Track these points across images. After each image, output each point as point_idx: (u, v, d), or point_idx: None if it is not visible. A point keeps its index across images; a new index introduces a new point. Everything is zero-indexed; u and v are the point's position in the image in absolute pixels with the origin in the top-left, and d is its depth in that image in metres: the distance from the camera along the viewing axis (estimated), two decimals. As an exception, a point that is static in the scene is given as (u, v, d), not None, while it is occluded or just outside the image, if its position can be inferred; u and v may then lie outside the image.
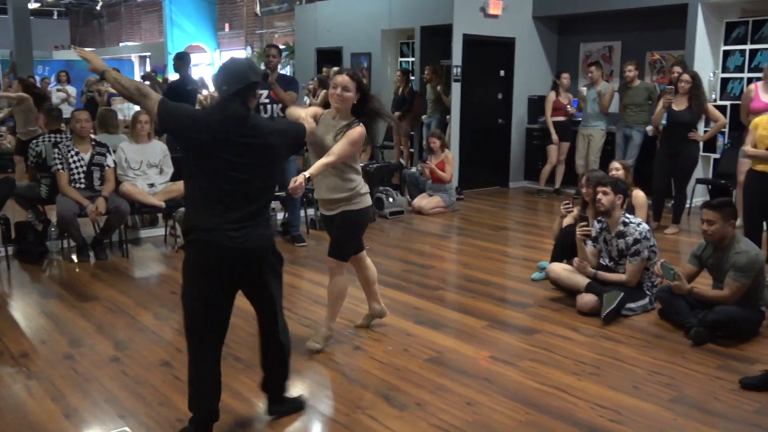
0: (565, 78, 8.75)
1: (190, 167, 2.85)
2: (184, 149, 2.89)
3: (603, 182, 4.64)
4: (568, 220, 5.26)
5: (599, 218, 4.73)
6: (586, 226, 4.66)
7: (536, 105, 9.51)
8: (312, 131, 3.50)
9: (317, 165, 3.58)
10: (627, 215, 4.63)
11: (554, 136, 8.74)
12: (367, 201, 3.90)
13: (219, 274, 2.82)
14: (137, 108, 10.39)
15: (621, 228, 4.57)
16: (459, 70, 8.93)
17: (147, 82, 9.25)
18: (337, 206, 3.84)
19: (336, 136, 3.69)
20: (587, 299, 4.51)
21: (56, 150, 5.84)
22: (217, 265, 2.81)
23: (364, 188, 3.89)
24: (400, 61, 11.02)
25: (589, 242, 4.74)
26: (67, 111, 8.99)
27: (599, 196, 4.58)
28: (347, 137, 3.65)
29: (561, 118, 8.77)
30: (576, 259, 4.68)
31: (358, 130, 3.68)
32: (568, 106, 8.76)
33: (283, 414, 3.16)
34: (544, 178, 9.05)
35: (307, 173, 3.48)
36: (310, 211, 7.13)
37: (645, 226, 4.57)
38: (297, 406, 3.23)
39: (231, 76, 2.85)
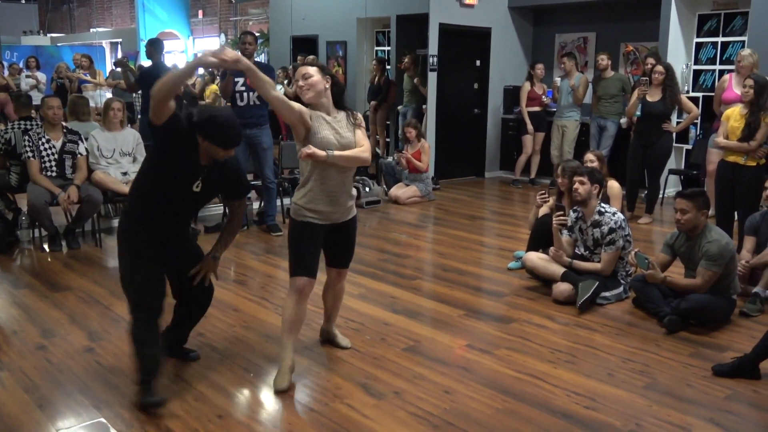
0: (540, 69, 8.79)
1: None
2: None
3: (579, 172, 4.67)
4: (544, 210, 5.29)
5: (575, 208, 4.77)
6: (562, 215, 4.69)
7: (511, 95, 9.55)
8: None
9: (348, 153, 3.23)
10: (602, 205, 4.67)
11: (529, 126, 8.80)
12: None
13: None
14: (109, 95, 10.22)
15: (596, 217, 4.61)
16: (435, 59, 8.92)
17: (119, 69, 9.08)
18: (348, 213, 3.45)
19: (354, 129, 3.32)
20: (563, 288, 4.55)
21: (26, 137, 5.72)
22: None
23: None
24: (376, 50, 10.97)
25: (565, 231, 4.78)
26: (36, 98, 8.80)
27: (576, 185, 4.61)
28: (363, 130, 3.36)
29: (536, 109, 8.83)
30: (552, 248, 4.72)
31: (361, 117, 3.43)
32: (543, 97, 8.81)
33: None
34: (520, 168, 9.11)
35: (333, 152, 3.17)
36: (286, 200, 7.09)
37: (620, 216, 4.62)
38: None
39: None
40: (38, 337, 3.92)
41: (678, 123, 7.38)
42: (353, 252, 3.62)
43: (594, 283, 4.42)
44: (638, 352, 3.82)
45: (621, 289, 4.63)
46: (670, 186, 8.02)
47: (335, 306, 3.81)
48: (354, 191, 3.61)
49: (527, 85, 8.81)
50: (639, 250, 4.44)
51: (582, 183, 4.58)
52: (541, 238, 5.03)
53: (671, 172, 7.87)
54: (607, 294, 4.55)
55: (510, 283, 5.06)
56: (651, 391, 3.34)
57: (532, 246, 5.13)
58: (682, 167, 8.19)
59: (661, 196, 7.44)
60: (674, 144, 7.40)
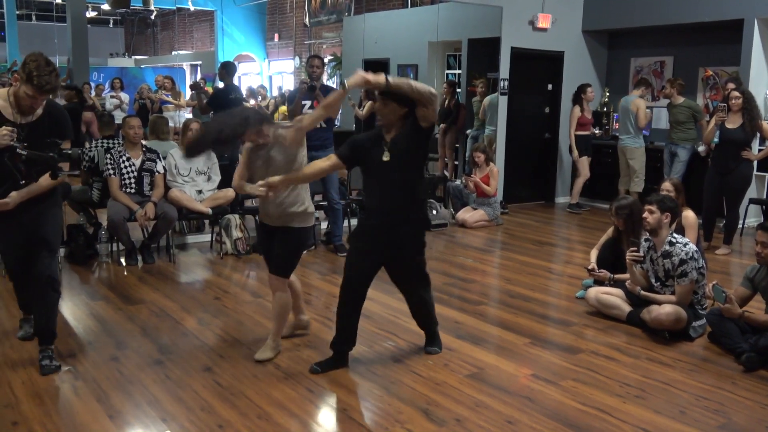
0: (590, 91, 8.71)
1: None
2: None
3: (649, 201, 4.54)
4: (604, 237, 5.25)
5: (646, 237, 4.63)
6: (636, 251, 4.55)
7: (583, 119, 9.43)
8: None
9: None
10: (674, 235, 4.51)
11: (575, 153, 8.80)
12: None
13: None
14: (188, 116, 10.59)
15: (667, 248, 4.45)
16: (506, 83, 8.88)
17: (193, 92, 9.41)
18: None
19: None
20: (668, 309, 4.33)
21: (108, 155, 5.98)
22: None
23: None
24: (447, 73, 11.01)
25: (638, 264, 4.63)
26: (119, 117, 9.20)
27: (645, 214, 4.48)
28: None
29: (584, 132, 8.78)
30: (615, 276, 4.71)
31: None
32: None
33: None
34: (577, 192, 9.01)
35: None
36: (354, 221, 7.15)
37: (692, 246, 4.44)
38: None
39: None
40: (112, 349, 4.06)
41: (759, 150, 7.10)
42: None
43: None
44: (713, 389, 3.66)
45: (704, 320, 4.43)
46: (751, 216, 7.69)
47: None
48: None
49: (576, 110, 8.72)
50: (717, 282, 4.26)
51: (651, 212, 4.45)
52: (605, 265, 4.99)
53: (752, 201, 7.55)
54: (696, 324, 4.37)
55: (578, 311, 4.94)
56: (726, 432, 3.19)
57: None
58: (764, 197, 7.85)
59: (740, 226, 7.14)
60: (755, 172, 7.12)
